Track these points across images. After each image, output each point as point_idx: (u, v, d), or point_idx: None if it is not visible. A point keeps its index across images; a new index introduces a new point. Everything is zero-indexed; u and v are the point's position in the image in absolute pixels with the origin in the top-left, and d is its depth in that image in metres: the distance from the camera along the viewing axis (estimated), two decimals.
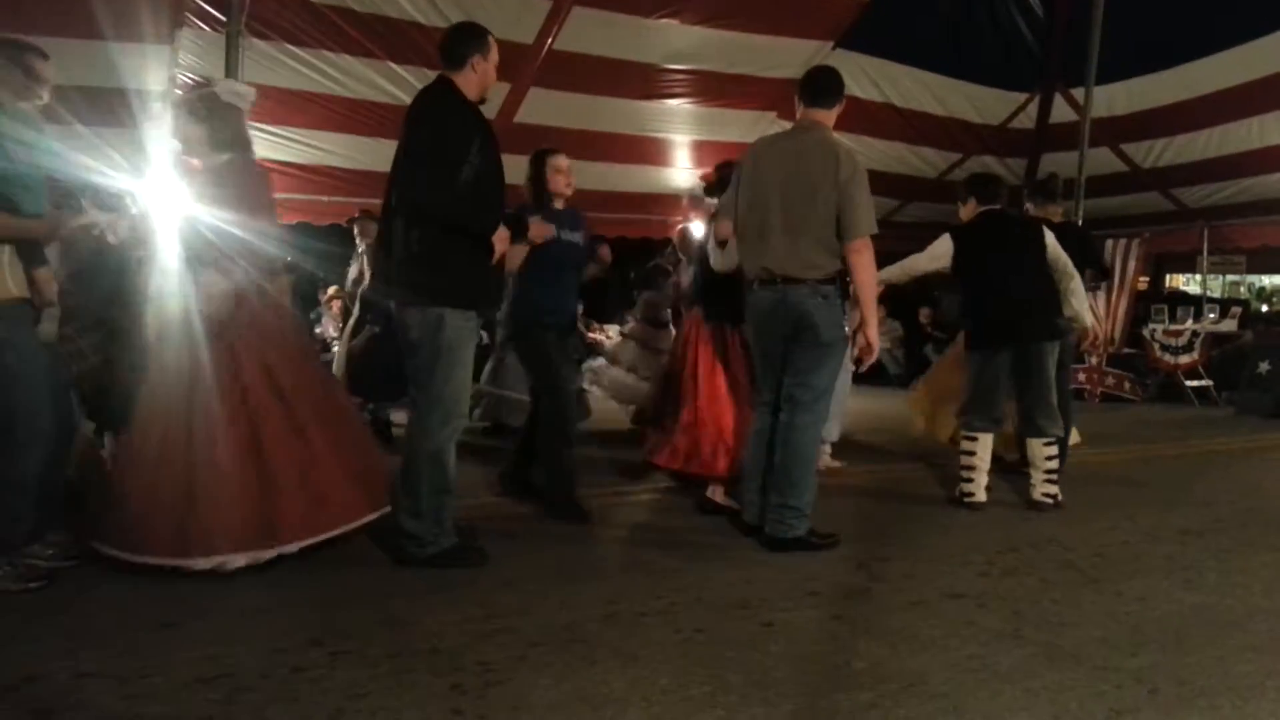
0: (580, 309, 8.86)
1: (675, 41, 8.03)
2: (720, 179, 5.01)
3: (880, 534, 4.27)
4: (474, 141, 3.59)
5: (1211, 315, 11.43)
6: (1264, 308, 17.23)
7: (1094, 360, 10.49)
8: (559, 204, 4.71)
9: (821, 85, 4.18)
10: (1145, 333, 10.80)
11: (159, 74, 6.95)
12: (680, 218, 9.71)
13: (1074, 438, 5.92)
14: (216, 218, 3.60)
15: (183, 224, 3.70)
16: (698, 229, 7.12)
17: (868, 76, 9.13)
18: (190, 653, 2.80)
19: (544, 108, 8.19)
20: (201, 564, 3.42)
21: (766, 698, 2.59)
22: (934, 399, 6.12)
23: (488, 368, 7.10)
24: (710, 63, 8.39)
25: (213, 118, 3.74)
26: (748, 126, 9.21)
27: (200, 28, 6.62)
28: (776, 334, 4.07)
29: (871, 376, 7.46)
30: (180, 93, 3.73)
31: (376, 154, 7.76)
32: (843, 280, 4.07)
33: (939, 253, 5.10)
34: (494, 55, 3.78)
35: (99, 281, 4.49)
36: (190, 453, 3.49)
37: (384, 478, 3.89)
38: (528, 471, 4.99)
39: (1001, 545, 4.24)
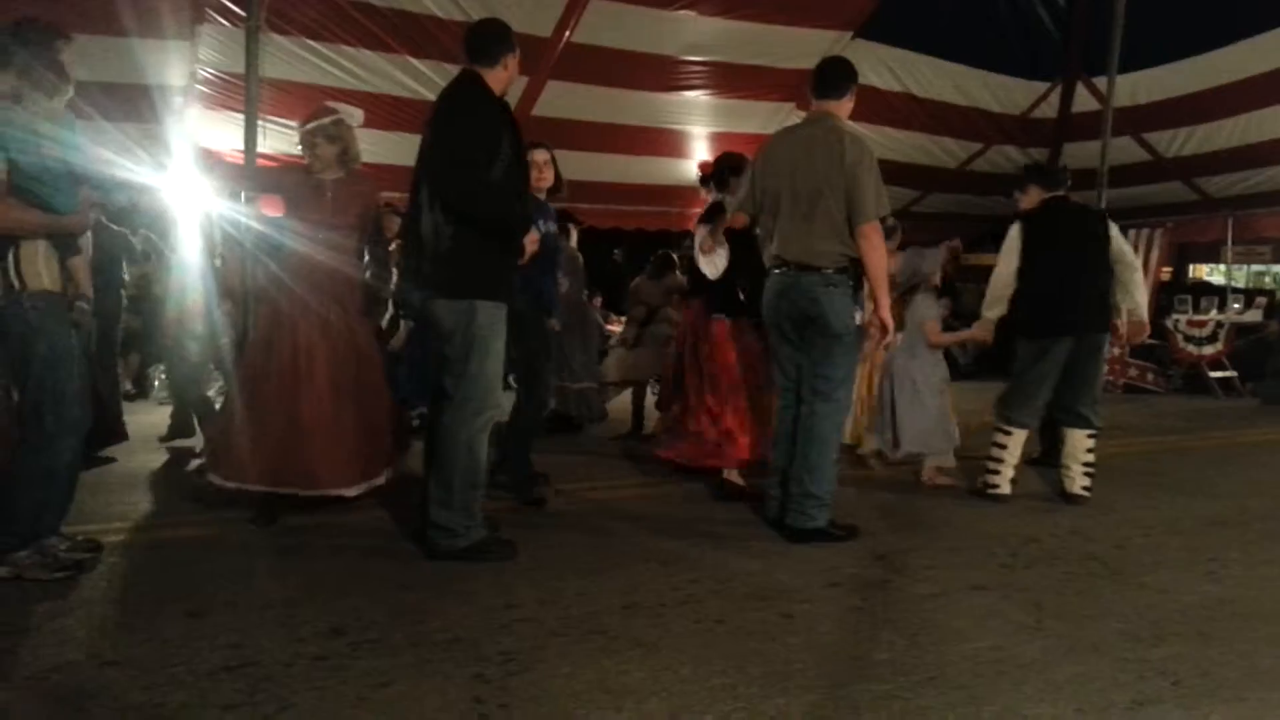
0: (599, 300, 8.90)
1: (693, 33, 8.00)
2: (718, 170, 5.03)
3: (901, 525, 4.25)
4: (505, 137, 3.62)
5: (1236, 306, 11.29)
6: None
7: (1116, 351, 10.39)
8: (540, 196, 4.75)
9: (829, 76, 4.22)
10: (1168, 323, 10.69)
11: (180, 69, 7.01)
12: (699, 210, 9.68)
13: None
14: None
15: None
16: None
17: (887, 66, 9.07)
18: (214, 642, 2.83)
19: (561, 101, 8.19)
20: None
21: (787, 689, 2.59)
22: None
23: None
24: (728, 54, 8.36)
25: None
26: (766, 118, 9.18)
27: (220, 23, 6.65)
28: (787, 320, 4.12)
29: None
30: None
31: (396, 148, 7.78)
32: (857, 270, 4.08)
33: (1012, 245, 5.00)
34: (518, 53, 3.85)
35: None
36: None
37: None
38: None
39: (1023, 537, 4.21)
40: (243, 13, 6.14)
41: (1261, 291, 14.14)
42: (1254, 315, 10.87)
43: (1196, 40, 8.88)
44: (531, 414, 4.77)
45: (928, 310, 5.33)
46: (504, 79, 3.79)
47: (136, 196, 4.14)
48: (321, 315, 4.17)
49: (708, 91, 8.80)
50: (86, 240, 3.56)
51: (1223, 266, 12.99)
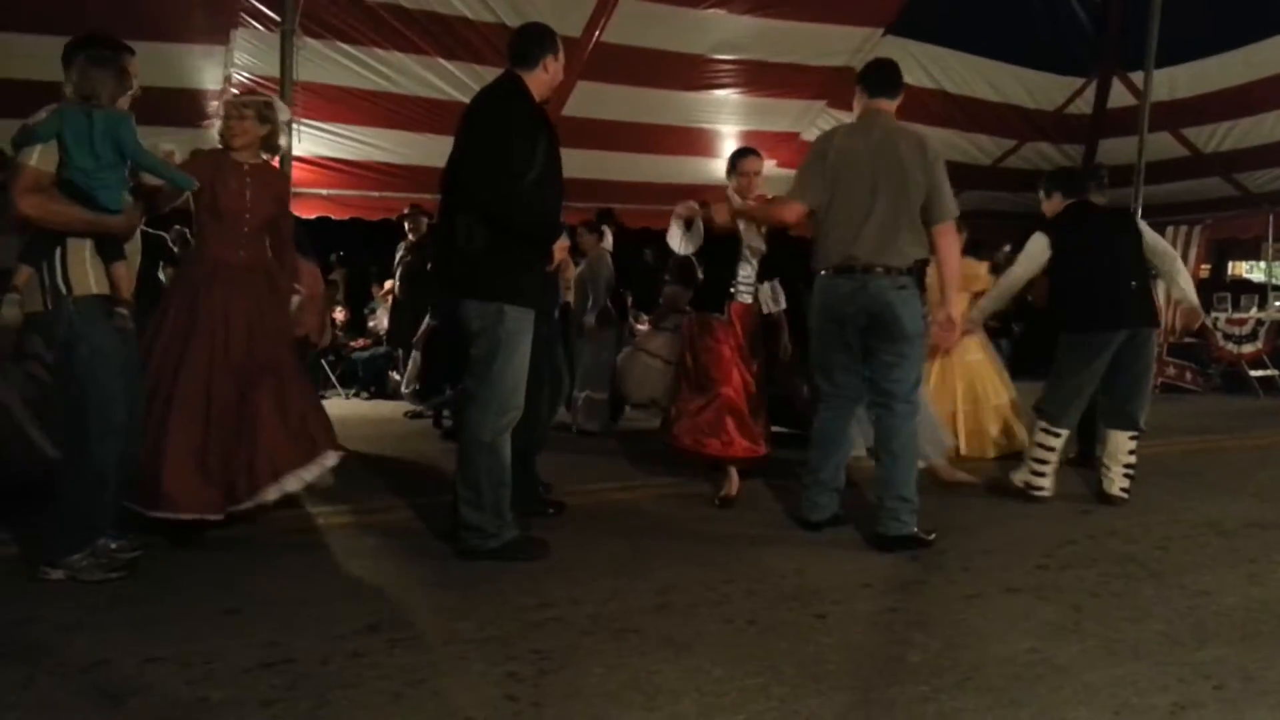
0: (629, 300, 8.89)
1: (723, 31, 7.99)
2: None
3: (934, 526, 4.21)
4: (540, 143, 3.63)
5: (1277, 303, 11.10)
6: None
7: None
8: None
9: (887, 76, 4.18)
10: (1207, 321, 10.51)
11: (214, 73, 7.10)
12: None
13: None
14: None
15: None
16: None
17: (919, 63, 8.98)
18: (252, 639, 2.86)
19: (591, 101, 8.21)
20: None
21: (820, 689, 2.58)
22: None
23: None
24: (759, 52, 8.34)
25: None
26: (797, 116, 9.15)
27: (255, 27, 6.74)
28: (852, 323, 4.03)
29: None
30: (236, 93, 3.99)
31: (426, 149, 7.86)
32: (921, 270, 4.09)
33: (1035, 252, 4.93)
34: (562, 57, 3.86)
35: None
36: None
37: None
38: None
39: (1059, 538, 4.17)
40: (277, 17, 6.22)
41: None
42: None
43: (1236, 32, 8.70)
44: (529, 429, 4.43)
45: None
46: (545, 81, 3.80)
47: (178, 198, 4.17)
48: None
49: (738, 90, 8.78)
50: (135, 245, 3.59)
51: (1263, 264, 12.74)
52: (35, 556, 3.40)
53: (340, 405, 8.69)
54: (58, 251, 3.25)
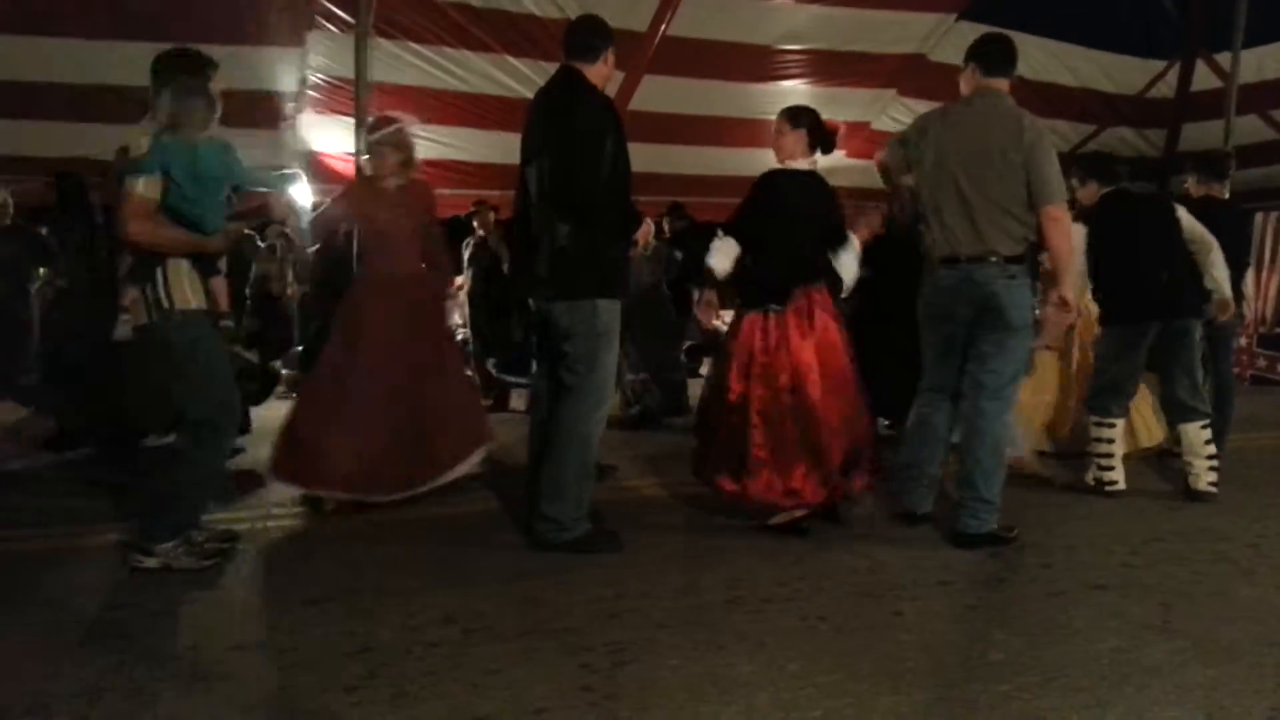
0: (698, 295, 8.87)
1: (790, 21, 7.88)
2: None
3: (1013, 522, 4.12)
4: (610, 133, 3.64)
5: None
6: None
7: (1244, 341, 9.87)
8: None
9: (1003, 53, 3.95)
10: (1246, 311, 10.07)
11: (290, 76, 7.26)
12: None
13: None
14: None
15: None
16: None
17: None
18: (333, 628, 2.93)
19: (658, 95, 8.17)
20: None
21: (898, 686, 2.55)
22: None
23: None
24: (827, 41, 8.21)
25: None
26: (867, 105, 9.00)
27: (329, 29, 6.87)
28: (958, 316, 3.90)
29: None
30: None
31: (494, 146, 7.92)
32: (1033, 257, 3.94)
33: (1078, 246, 4.75)
34: (613, 46, 3.87)
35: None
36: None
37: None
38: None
39: (1145, 535, 4.04)
40: (351, 19, 6.34)
41: None
42: None
43: None
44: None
45: None
46: (604, 74, 3.82)
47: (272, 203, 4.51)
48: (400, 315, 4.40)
49: (806, 80, 8.65)
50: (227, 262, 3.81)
51: None
52: (130, 545, 3.53)
53: None
54: (159, 271, 3.40)
